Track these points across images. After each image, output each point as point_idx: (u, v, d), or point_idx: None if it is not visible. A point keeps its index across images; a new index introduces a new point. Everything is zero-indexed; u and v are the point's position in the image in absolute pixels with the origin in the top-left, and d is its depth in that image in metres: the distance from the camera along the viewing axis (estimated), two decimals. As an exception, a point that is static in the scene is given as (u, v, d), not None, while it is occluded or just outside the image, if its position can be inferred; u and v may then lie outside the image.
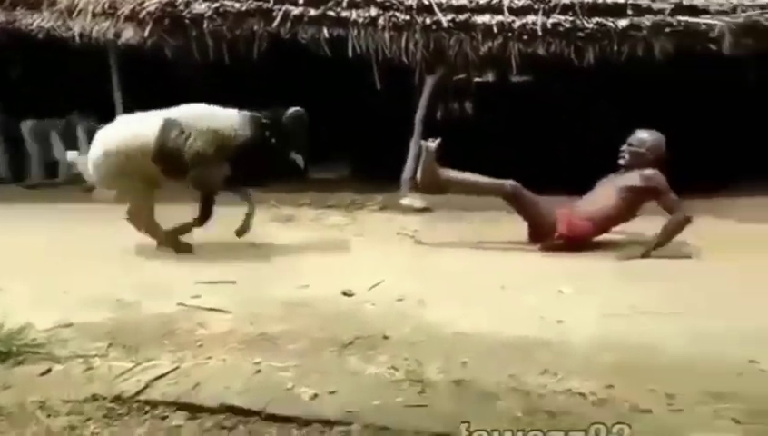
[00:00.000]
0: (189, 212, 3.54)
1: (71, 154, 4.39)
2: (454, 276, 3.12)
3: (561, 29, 4.73)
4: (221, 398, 1.81)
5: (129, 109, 4.30)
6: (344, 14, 4.91)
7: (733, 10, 4.63)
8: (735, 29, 4.54)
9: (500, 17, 4.81)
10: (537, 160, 5.21)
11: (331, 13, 4.91)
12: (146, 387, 1.88)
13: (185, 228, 3.51)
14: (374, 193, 5.04)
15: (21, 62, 5.81)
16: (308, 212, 4.75)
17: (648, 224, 3.58)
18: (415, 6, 4.90)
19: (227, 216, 3.51)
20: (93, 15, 4.98)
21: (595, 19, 4.72)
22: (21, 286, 2.76)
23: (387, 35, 4.89)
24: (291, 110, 3.41)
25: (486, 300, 2.74)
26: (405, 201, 4.83)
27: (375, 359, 2.12)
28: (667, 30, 4.64)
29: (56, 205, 4.72)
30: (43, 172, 5.75)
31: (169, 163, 3.31)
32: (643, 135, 3.62)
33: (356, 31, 4.92)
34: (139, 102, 3.96)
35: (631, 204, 3.57)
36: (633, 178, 3.55)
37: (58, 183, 5.58)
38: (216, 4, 4.94)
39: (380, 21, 4.91)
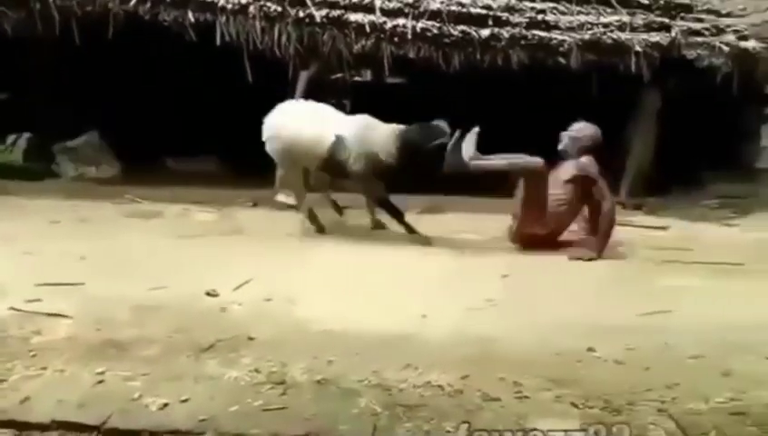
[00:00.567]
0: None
1: None
2: (329, 274, 3.09)
3: (429, 34, 4.90)
4: (52, 413, 1.64)
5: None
6: (211, -2, 4.70)
7: (581, 27, 5.07)
8: (582, 45, 4.97)
9: (372, 17, 4.88)
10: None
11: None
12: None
13: (337, 210, 4.21)
14: (243, 190, 4.89)
15: None
16: (172, 207, 4.49)
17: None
18: (287, -2, 4.82)
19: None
20: None
21: (461, 27, 4.94)
22: None
23: (258, 25, 4.77)
24: (437, 141, 3.59)
25: (357, 297, 2.72)
26: (280, 197, 4.72)
27: (237, 362, 2.04)
28: (523, 42, 4.97)
29: None
30: None
31: (334, 172, 3.92)
32: (581, 124, 3.76)
33: (224, 17, 4.74)
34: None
35: (576, 195, 3.64)
36: (569, 169, 3.66)
37: None
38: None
39: (251, 9, 4.77)
